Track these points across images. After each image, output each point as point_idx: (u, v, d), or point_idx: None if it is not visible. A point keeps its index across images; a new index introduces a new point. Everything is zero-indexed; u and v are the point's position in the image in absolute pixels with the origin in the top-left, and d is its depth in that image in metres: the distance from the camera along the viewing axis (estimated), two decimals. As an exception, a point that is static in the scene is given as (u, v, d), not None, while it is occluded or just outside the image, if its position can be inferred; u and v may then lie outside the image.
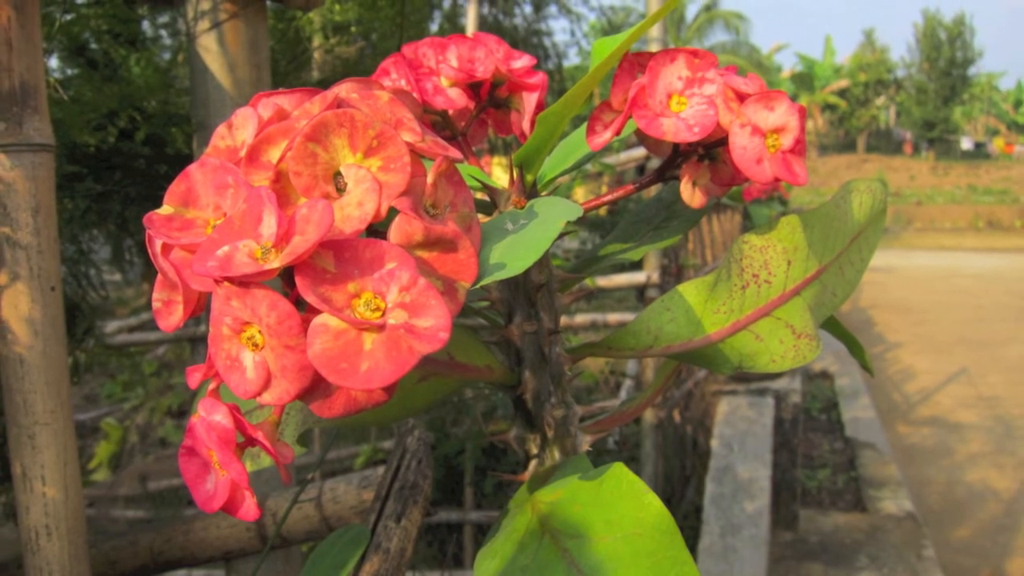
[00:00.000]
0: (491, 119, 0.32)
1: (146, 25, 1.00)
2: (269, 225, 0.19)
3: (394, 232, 0.20)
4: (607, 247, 0.33)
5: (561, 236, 0.23)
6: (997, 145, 21.39)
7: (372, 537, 0.41)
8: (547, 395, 0.30)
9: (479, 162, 0.30)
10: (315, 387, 0.19)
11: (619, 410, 0.33)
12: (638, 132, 0.27)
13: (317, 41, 1.10)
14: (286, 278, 0.19)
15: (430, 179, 0.21)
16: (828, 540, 2.12)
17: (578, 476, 0.27)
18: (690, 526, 1.88)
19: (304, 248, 0.18)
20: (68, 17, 0.78)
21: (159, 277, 0.22)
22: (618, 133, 0.28)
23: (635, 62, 0.28)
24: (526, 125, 0.31)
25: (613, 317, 1.90)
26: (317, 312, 0.18)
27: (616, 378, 2.33)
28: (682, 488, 2.15)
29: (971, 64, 21.80)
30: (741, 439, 2.02)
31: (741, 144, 0.26)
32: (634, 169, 1.97)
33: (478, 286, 0.21)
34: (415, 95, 0.29)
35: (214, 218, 0.21)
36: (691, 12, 16.90)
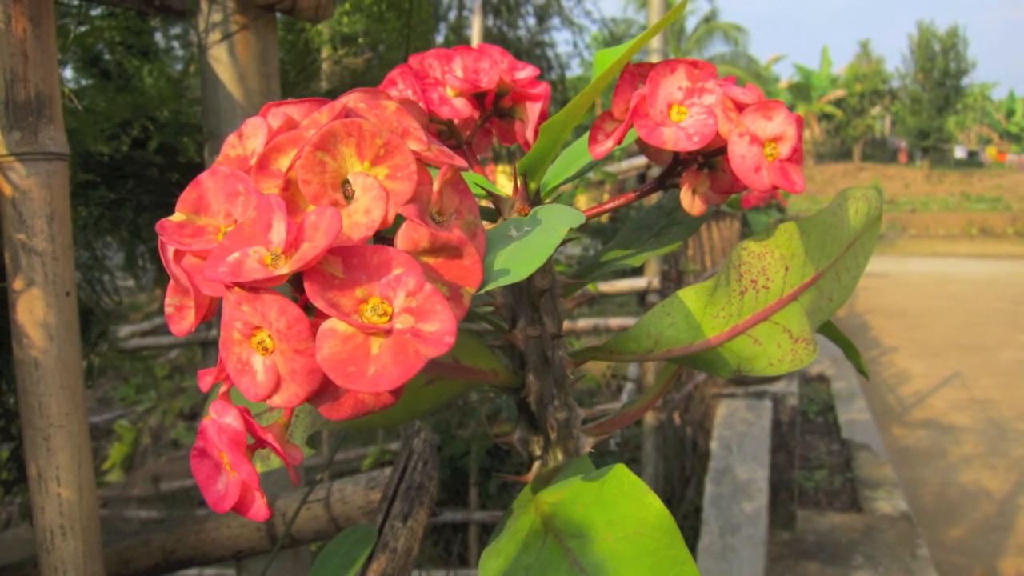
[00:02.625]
0: (495, 128, 0.33)
1: (158, 36, 1.01)
2: (279, 232, 0.19)
3: (401, 239, 0.20)
4: (609, 253, 0.33)
5: (564, 242, 0.24)
6: (990, 154, 21.43)
7: (379, 537, 0.42)
8: (550, 398, 0.31)
9: (484, 170, 0.31)
10: (324, 390, 0.19)
11: (621, 413, 0.33)
12: (639, 141, 0.28)
13: (326, 52, 1.11)
14: (295, 284, 0.20)
15: (436, 187, 0.22)
16: (825, 540, 2.12)
17: (580, 477, 0.27)
18: (690, 526, 1.88)
19: (313, 254, 0.18)
20: (82, 29, 0.79)
21: (171, 283, 0.22)
22: (619, 142, 0.28)
23: (636, 73, 0.28)
24: (530, 134, 0.31)
25: (615, 322, 1.91)
26: (325, 317, 0.19)
27: (618, 381, 2.34)
28: (682, 489, 2.15)
29: (964, 75, 21.93)
30: (740, 441, 2.02)
31: (740, 153, 0.26)
32: (635, 177, 1.98)
33: (483, 291, 0.21)
34: (421, 105, 0.29)
35: (225, 225, 0.21)
36: (691, 24, 17.03)
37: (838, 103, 21.65)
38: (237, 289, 0.19)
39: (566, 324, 0.32)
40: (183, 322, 0.22)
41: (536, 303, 0.30)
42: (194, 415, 2.57)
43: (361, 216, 0.20)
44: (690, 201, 0.29)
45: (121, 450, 2.34)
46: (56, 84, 0.48)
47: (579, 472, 0.27)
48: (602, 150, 0.28)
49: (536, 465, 0.31)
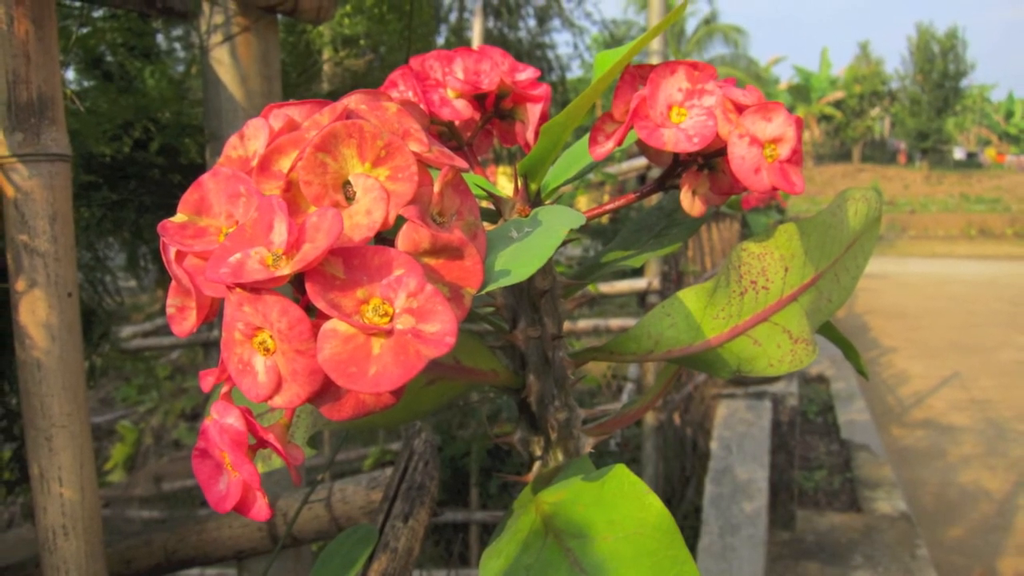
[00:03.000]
0: (496, 130, 0.33)
1: (160, 38, 1.01)
2: (280, 233, 0.19)
3: (402, 240, 0.20)
4: (609, 254, 0.33)
5: (564, 243, 0.24)
6: (989, 155, 21.52)
7: (380, 536, 0.42)
8: (551, 398, 0.31)
9: (484, 172, 0.31)
10: (325, 390, 0.20)
11: (621, 413, 0.34)
12: (639, 142, 0.28)
13: (327, 54, 1.12)
14: (297, 284, 0.20)
15: (437, 188, 0.22)
16: (824, 540, 2.12)
17: (581, 477, 0.27)
18: (690, 526, 1.89)
19: (314, 255, 0.18)
20: (85, 30, 0.80)
21: (173, 283, 0.22)
22: (620, 143, 0.28)
23: (636, 74, 0.28)
24: (530, 136, 0.31)
25: (615, 322, 1.92)
26: (327, 318, 0.19)
27: (618, 382, 2.34)
28: (682, 489, 2.16)
29: (963, 76, 22.02)
30: (739, 441, 2.03)
31: (739, 154, 0.26)
32: (635, 178, 1.99)
33: (484, 292, 0.21)
34: (422, 106, 0.29)
35: (226, 226, 0.21)
36: (691, 26, 17.12)
37: (837, 104, 21.72)
38: (239, 290, 0.19)
39: (566, 325, 0.32)
40: (185, 323, 0.22)
41: (537, 304, 0.30)
42: (196, 415, 2.57)
43: (362, 217, 0.20)
44: (690, 202, 0.29)
45: (123, 450, 2.35)
46: (58, 85, 0.48)
47: (579, 472, 0.28)
48: (602, 151, 0.28)
49: (537, 465, 0.31)
